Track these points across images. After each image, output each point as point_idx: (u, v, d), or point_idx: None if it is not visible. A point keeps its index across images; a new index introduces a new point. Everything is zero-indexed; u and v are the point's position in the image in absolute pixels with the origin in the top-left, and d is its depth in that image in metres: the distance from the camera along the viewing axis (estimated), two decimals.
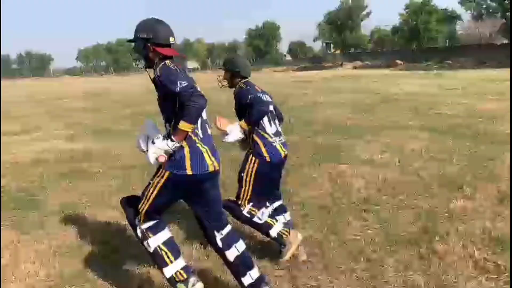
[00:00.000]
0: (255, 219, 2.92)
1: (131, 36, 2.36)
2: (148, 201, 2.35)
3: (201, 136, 2.33)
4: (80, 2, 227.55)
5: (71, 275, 2.88)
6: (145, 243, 2.39)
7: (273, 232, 2.91)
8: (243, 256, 2.42)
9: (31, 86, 44.72)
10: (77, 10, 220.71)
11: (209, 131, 2.40)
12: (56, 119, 11.95)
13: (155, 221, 2.41)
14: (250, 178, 2.93)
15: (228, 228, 2.45)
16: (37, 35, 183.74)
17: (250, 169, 2.92)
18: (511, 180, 4.31)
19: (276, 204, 3.17)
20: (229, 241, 2.42)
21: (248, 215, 2.93)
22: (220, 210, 2.49)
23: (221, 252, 2.43)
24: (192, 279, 2.37)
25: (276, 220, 2.98)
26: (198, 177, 2.29)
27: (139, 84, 32.00)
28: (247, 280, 2.39)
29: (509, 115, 7.57)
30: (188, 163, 2.25)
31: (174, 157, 2.23)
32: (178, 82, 2.12)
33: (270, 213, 3.05)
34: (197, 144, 2.29)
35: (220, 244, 2.41)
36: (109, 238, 3.43)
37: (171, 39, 2.35)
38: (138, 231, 2.41)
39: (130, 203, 2.47)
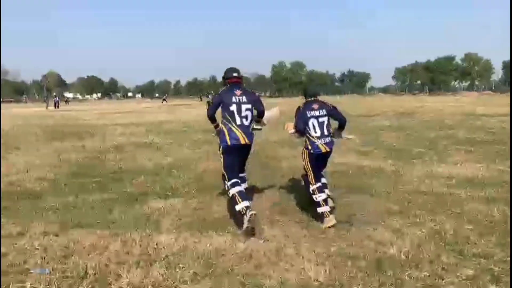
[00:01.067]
0: (314, 197, 4.52)
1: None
2: (223, 165, 4.47)
3: (238, 123, 4.36)
4: (396, 21, 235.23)
5: None
6: (228, 192, 4.39)
7: (320, 210, 4.43)
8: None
9: (340, 102, 49.65)
10: (397, 29, 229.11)
11: (246, 121, 4.41)
12: (359, 135, 12.62)
13: (234, 180, 4.35)
14: (307, 163, 4.62)
15: (242, 177, 4.65)
16: (359, 55, 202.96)
17: (305, 159, 4.64)
18: (511, 181, 5.12)
19: (323, 180, 4.72)
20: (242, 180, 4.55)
21: (312, 192, 4.56)
22: (242, 167, 4.74)
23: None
24: (248, 211, 4.08)
25: (326, 204, 4.46)
26: (235, 146, 4.36)
27: (452, 104, 29.97)
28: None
29: None
30: (228, 138, 4.35)
31: (222, 136, 4.42)
32: (212, 99, 4.71)
33: (325, 197, 4.50)
34: (233, 128, 4.36)
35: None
36: None
37: (234, 74, 4.53)
38: (226, 186, 4.43)
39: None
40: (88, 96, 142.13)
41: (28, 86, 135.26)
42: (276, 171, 7.10)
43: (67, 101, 67.47)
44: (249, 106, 4.46)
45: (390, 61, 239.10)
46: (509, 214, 4.56)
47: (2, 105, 68.89)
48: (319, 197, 4.47)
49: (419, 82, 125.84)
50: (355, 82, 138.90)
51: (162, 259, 3.61)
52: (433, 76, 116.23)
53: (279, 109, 5.24)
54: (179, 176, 6.86)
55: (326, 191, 4.65)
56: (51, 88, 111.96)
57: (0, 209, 5.06)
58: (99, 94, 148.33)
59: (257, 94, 4.72)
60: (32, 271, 3.38)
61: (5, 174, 7.12)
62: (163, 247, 3.86)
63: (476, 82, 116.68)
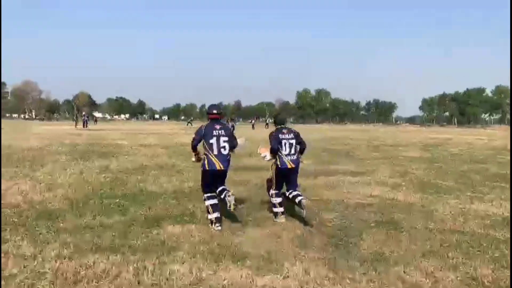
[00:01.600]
0: (272, 199, 5.74)
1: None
2: (202, 183, 5.51)
3: (215, 153, 5.30)
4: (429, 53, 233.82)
5: None
6: (204, 203, 5.42)
7: (275, 210, 5.68)
8: (224, 195, 5.30)
9: (369, 131, 48.96)
10: (425, 59, 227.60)
11: (224, 151, 5.34)
12: (387, 166, 12.27)
13: (209, 194, 5.38)
14: (274, 174, 5.69)
15: (225, 191, 5.35)
16: (384, 84, 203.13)
17: (273, 170, 5.71)
18: (511, 185, 6.00)
19: (294, 193, 5.58)
20: (221, 193, 5.36)
21: (270, 195, 5.80)
22: (223, 186, 5.48)
23: (220, 195, 5.38)
24: (217, 224, 5.20)
25: (281, 206, 5.66)
26: (211, 171, 5.31)
27: (482, 137, 29.06)
28: (228, 198, 5.20)
29: None
30: (206, 164, 5.31)
31: (202, 162, 5.39)
32: (194, 133, 5.50)
33: (280, 200, 5.68)
34: (210, 156, 5.30)
35: (219, 193, 5.40)
36: None
37: (214, 111, 5.51)
38: (203, 197, 5.43)
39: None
40: (116, 117, 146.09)
41: (60, 105, 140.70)
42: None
43: (95, 120, 69.34)
44: (227, 138, 5.39)
45: (416, 91, 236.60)
46: None
47: (35, 122, 71.82)
48: (275, 200, 5.69)
49: (447, 113, 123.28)
50: (380, 112, 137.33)
51: None
52: (462, 108, 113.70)
53: (245, 139, 6.46)
54: (199, 201, 6.67)
55: (299, 198, 5.50)
56: (81, 107, 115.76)
57: (0, 220, 5.13)
58: (127, 115, 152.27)
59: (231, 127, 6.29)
60: None
61: (27, 192, 7.14)
62: (176, 277, 3.67)
63: (508, 116, 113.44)
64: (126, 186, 7.92)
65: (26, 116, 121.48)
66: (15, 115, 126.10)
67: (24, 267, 3.82)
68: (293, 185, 5.71)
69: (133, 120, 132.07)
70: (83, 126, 42.60)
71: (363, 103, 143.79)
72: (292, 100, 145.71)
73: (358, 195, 7.44)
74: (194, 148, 5.54)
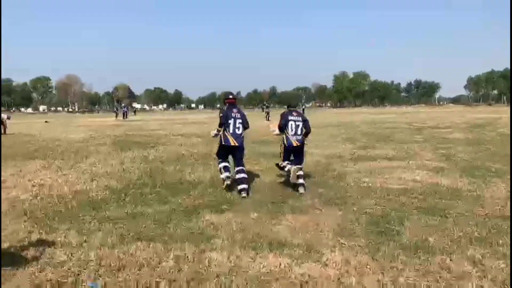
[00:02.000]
0: (282, 165, 6.81)
1: None
2: (217, 152, 6.85)
3: (231, 132, 6.51)
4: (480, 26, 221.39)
5: None
6: (218, 166, 6.79)
7: (286, 169, 6.66)
8: (241, 179, 6.39)
9: (410, 113, 47.23)
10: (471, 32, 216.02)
11: (238, 131, 6.55)
12: (430, 149, 11.81)
13: (222, 160, 6.70)
14: (282, 152, 6.82)
15: (241, 169, 6.52)
16: (427, 65, 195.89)
17: (281, 148, 6.85)
18: (511, 180, 6.18)
19: (298, 166, 6.50)
20: (239, 171, 6.47)
21: (282, 164, 6.81)
22: (240, 162, 6.63)
23: (236, 174, 6.50)
24: (227, 181, 6.54)
25: (290, 165, 6.61)
26: (226, 146, 6.56)
27: None
28: (240, 187, 6.33)
29: None
30: (223, 140, 6.58)
31: (220, 138, 6.66)
32: (220, 116, 6.64)
33: (290, 165, 6.62)
34: (226, 134, 6.52)
35: (237, 172, 6.50)
36: None
37: (230, 96, 6.74)
38: (217, 163, 6.86)
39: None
40: (155, 107, 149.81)
41: (101, 97, 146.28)
42: (340, 189, 6.69)
43: (135, 111, 71.46)
44: (241, 120, 6.60)
45: (461, 70, 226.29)
46: None
47: (78, 115, 74.95)
48: (285, 164, 6.71)
49: (495, 92, 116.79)
50: (422, 92, 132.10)
51: (213, 278, 3.44)
52: None
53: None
54: (235, 189, 6.70)
55: (301, 180, 6.49)
56: (120, 99, 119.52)
57: (0, 213, 5.37)
58: (164, 105, 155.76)
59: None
60: (84, 284, 3.35)
61: (72, 182, 7.46)
62: (215, 265, 3.69)
63: None
64: (165, 176, 8.08)
65: (70, 109, 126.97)
66: (59, 109, 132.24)
67: (72, 255, 3.98)
68: (299, 161, 6.69)
69: (170, 110, 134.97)
70: (123, 118, 43.94)
71: (403, 84, 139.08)
72: (329, 84, 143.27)
73: (400, 180, 7.20)
74: (221, 125, 6.59)
